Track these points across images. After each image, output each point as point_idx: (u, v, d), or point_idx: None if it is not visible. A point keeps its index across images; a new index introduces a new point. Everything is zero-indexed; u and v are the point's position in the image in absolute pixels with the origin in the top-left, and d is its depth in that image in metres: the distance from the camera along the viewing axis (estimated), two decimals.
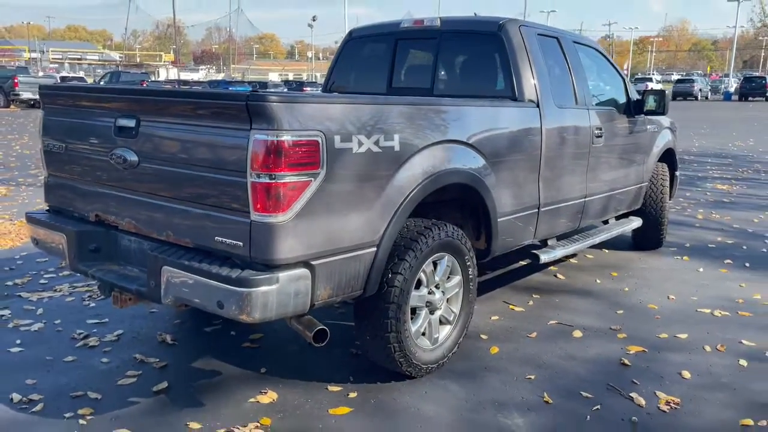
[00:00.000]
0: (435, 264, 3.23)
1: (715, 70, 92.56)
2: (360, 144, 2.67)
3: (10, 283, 4.56)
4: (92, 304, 4.17)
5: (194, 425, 2.77)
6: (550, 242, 4.35)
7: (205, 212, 2.60)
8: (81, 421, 2.78)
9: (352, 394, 3.06)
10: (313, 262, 2.56)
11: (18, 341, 3.58)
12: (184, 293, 2.59)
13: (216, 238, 2.56)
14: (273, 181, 2.39)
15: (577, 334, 3.87)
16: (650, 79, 49.71)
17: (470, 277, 3.42)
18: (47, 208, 3.46)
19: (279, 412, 2.90)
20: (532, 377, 3.29)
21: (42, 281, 4.62)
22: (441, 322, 3.34)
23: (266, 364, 3.37)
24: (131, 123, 2.80)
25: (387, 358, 3.07)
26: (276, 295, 2.45)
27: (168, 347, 3.57)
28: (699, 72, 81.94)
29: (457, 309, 3.39)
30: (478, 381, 3.24)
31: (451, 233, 3.23)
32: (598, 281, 4.91)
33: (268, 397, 3.02)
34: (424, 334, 3.24)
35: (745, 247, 5.96)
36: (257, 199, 2.41)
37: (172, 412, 2.88)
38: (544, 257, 4.14)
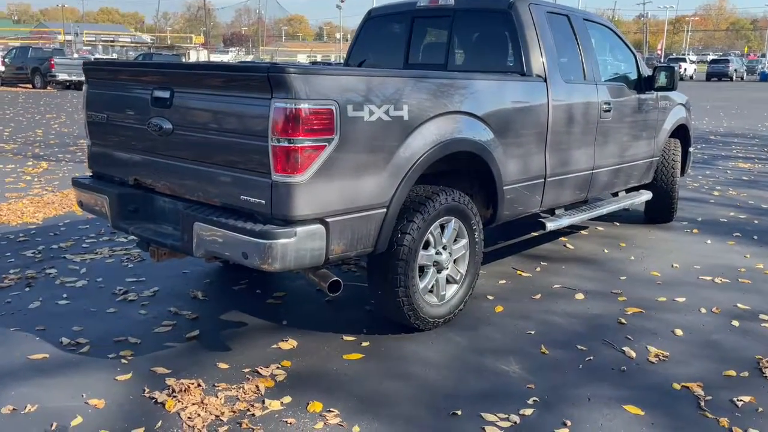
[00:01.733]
0: (442, 227, 3.49)
1: (753, 51, 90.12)
2: (371, 113, 2.93)
3: (55, 246, 4.95)
4: (130, 265, 4.54)
5: (223, 365, 3.10)
6: (557, 211, 4.58)
7: (232, 174, 2.90)
8: (123, 361, 3.13)
9: (365, 343, 3.36)
10: (328, 219, 2.85)
11: (65, 295, 3.95)
12: (213, 246, 2.91)
13: (241, 197, 2.87)
14: (291, 145, 2.68)
15: (579, 296, 4.10)
16: (684, 60, 48.70)
17: (476, 240, 3.68)
18: (91, 173, 3.80)
19: (298, 356, 3.22)
20: (532, 332, 3.55)
21: (84, 245, 5.00)
22: (448, 281, 3.60)
23: (287, 317, 3.69)
24: (166, 94, 3.10)
25: (396, 311, 3.36)
26: (294, 247, 2.75)
27: (199, 302, 3.91)
28: (736, 52, 79.77)
29: (464, 269, 3.66)
30: (481, 334, 3.51)
31: (458, 198, 3.49)
32: (605, 251, 5.12)
33: (289, 344, 3.34)
34: (432, 291, 3.51)
35: (756, 222, 6.10)
36: (277, 161, 2.70)
37: (203, 354, 3.22)
38: (550, 225, 4.37)
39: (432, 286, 3.51)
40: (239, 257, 2.81)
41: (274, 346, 3.32)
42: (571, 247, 5.21)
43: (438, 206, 3.35)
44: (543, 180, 4.18)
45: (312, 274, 3.07)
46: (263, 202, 2.78)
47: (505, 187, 3.84)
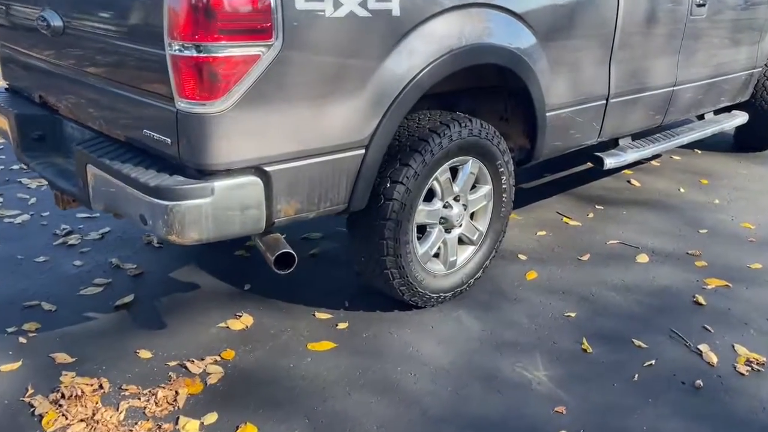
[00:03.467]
0: (454, 170, 2.52)
1: None
2: (336, 5, 1.92)
3: (16, 167, 4.24)
4: None
5: (144, 354, 2.32)
6: (621, 142, 3.50)
7: (131, 96, 1.99)
8: (21, 339, 2.39)
9: (342, 325, 2.52)
10: (268, 168, 1.93)
11: None
12: (110, 200, 2.05)
13: (144, 131, 1.97)
14: (201, 54, 1.72)
15: (642, 258, 3.11)
16: None
17: (504, 187, 2.70)
18: (6, 86, 2.96)
19: (248, 342, 2.40)
20: (572, 315, 2.62)
21: None
22: (462, 242, 2.68)
23: (253, 278, 2.86)
24: None
25: (385, 285, 2.48)
26: (212, 210, 1.85)
27: (151, 251, 3.12)
28: None
29: (484, 226, 2.71)
30: (502, 316, 2.60)
31: (478, 131, 2.48)
32: (681, 190, 4.03)
33: (242, 322, 2.52)
34: (437, 255, 2.60)
35: None
36: (182, 81, 1.76)
37: (125, 334, 2.44)
38: (610, 161, 3.32)
39: (438, 250, 2.59)
40: (138, 221, 1.94)
41: (222, 324, 2.51)
42: (637, 183, 4.13)
43: (447, 142, 2.36)
44: (605, 101, 3.10)
45: (259, 240, 2.19)
46: (168, 141, 1.88)
47: (549, 113, 2.80)
